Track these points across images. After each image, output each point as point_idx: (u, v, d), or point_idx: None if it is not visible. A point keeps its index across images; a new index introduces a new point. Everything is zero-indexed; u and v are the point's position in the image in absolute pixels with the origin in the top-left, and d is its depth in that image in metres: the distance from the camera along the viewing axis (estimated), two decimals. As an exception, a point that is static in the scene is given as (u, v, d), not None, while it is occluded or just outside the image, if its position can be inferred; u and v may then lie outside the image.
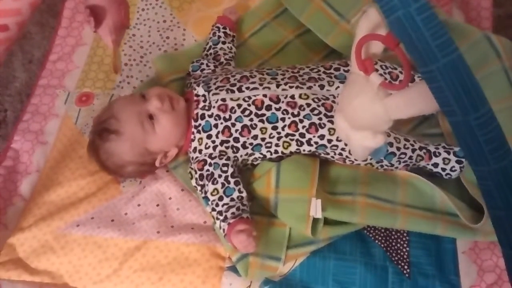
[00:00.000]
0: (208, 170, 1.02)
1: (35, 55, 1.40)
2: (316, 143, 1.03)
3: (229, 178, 1.00)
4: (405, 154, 1.02)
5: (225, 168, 1.01)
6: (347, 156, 1.04)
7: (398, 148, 1.02)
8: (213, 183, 1.00)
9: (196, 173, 1.04)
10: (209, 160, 1.03)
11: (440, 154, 1.04)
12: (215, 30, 1.26)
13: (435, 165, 1.04)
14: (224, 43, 1.23)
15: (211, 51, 1.23)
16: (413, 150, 1.03)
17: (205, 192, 1.01)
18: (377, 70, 1.04)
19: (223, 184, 0.99)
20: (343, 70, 1.08)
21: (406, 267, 1.00)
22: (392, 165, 1.04)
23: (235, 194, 0.98)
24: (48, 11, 1.46)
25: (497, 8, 1.32)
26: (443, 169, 1.04)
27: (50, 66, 1.32)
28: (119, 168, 1.07)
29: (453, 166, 1.04)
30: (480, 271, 0.98)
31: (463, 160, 1.03)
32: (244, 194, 1.00)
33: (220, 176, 1.00)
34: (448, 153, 1.04)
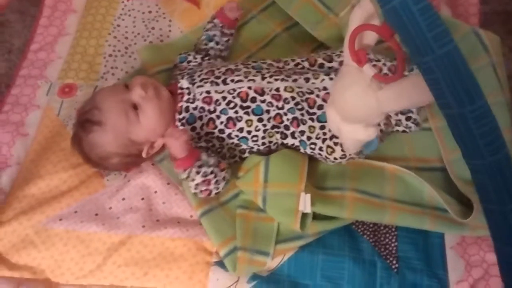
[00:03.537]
0: None
1: (15, 44, 1.36)
2: (299, 137, 1.02)
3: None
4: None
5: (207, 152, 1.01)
6: (326, 157, 1.02)
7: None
8: None
9: None
10: (193, 144, 1.01)
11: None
12: (211, 26, 1.20)
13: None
14: (217, 43, 1.19)
15: (203, 46, 1.19)
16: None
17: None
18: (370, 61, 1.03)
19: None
20: (327, 67, 1.07)
21: (394, 262, 0.99)
22: None
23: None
24: (27, -1, 1.42)
25: (484, 5, 1.32)
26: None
27: (31, 56, 1.29)
28: (103, 160, 1.05)
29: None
30: (467, 266, 0.98)
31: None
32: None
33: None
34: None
